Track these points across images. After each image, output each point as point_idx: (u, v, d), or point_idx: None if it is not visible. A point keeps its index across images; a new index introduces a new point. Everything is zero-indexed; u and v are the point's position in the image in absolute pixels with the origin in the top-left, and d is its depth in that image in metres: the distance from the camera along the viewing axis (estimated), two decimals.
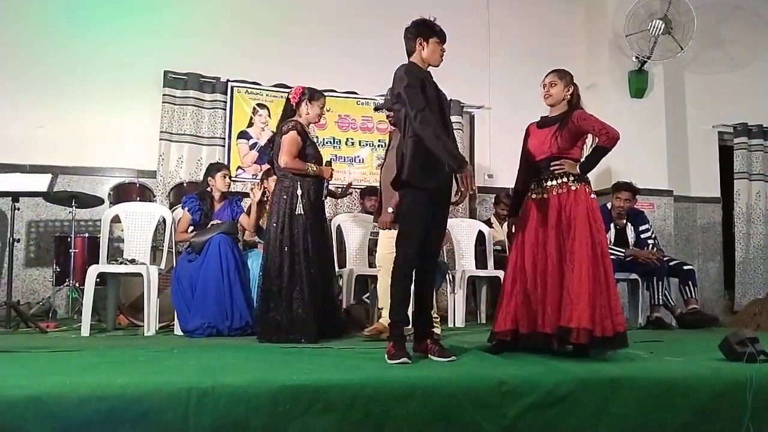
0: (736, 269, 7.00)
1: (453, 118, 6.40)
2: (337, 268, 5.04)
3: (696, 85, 7.23)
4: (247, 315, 4.28)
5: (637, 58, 6.57)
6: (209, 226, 4.61)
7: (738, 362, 2.88)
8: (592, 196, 3.27)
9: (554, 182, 3.27)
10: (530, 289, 3.23)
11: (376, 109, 4.10)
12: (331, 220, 5.54)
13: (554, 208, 3.24)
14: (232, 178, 5.84)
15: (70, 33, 5.82)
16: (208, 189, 4.76)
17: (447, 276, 5.25)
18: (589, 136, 3.34)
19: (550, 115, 3.42)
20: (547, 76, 3.44)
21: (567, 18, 7.11)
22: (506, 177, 6.01)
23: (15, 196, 4.59)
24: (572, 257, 3.11)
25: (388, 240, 3.82)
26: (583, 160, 3.32)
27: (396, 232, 3.25)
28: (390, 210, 3.78)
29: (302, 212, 3.89)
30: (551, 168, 3.28)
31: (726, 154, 7.24)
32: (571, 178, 3.24)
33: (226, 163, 5.83)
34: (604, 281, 3.11)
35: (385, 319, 3.71)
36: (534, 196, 3.34)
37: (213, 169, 4.83)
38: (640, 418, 2.55)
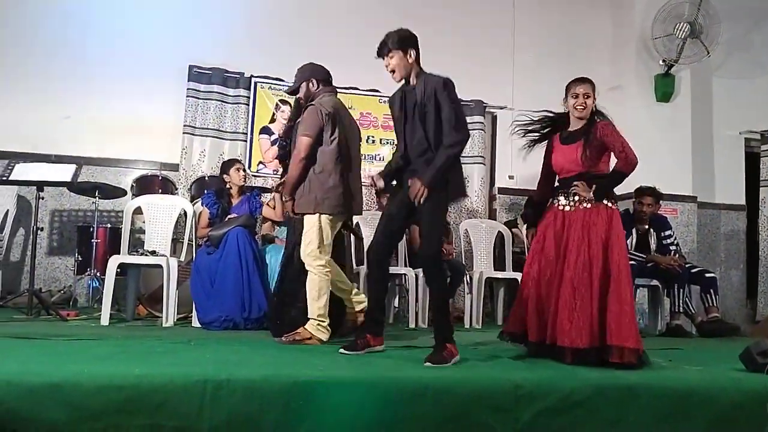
0: (759, 278, 6.88)
1: (475, 118, 6.43)
2: (354, 266, 5.05)
3: (723, 90, 7.11)
4: (265, 306, 4.31)
5: (663, 61, 6.49)
6: (227, 219, 4.65)
7: (759, 373, 2.83)
8: (614, 206, 3.23)
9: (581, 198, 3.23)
10: (543, 299, 3.20)
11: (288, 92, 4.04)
12: None
13: (579, 220, 3.19)
14: (254, 173, 5.91)
15: (97, 24, 5.90)
16: (226, 185, 4.81)
17: (464, 278, 5.24)
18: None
19: (572, 129, 3.34)
20: (579, 85, 3.30)
21: (593, 20, 7.04)
22: (527, 178, 5.97)
23: (40, 186, 4.65)
24: (615, 274, 3.07)
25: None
26: (601, 182, 3.22)
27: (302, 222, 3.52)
28: (286, 199, 3.69)
29: None
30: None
31: (752, 161, 7.12)
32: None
33: (247, 158, 5.88)
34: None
35: (311, 324, 3.54)
36: (560, 207, 3.29)
37: (226, 165, 4.90)
38: (657, 428, 2.51)
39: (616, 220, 3.18)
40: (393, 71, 3.25)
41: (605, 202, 3.21)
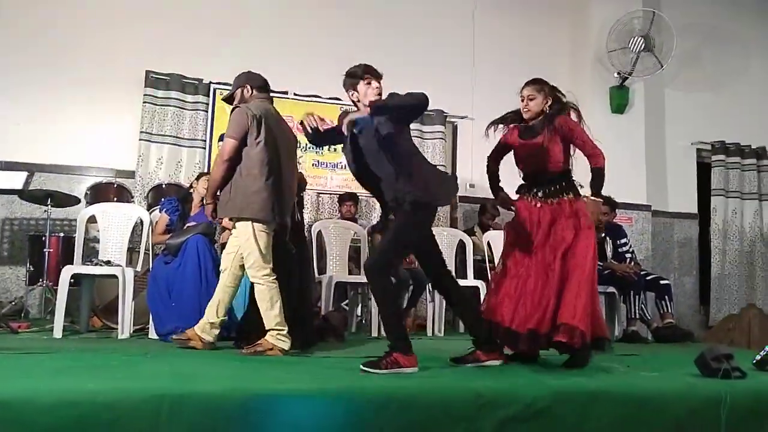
0: (712, 285, 7.10)
1: (435, 128, 6.48)
2: (316, 275, 5.02)
3: (676, 102, 7.34)
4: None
5: (618, 74, 6.65)
6: (185, 228, 4.56)
7: (713, 378, 2.90)
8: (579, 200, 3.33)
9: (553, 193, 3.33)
10: (518, 288, 3.25)
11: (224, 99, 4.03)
12: (311, 226, 5.52)
13: (548, 215, 3.28)
14: None
15: (51, 29, 5.75)
16: (191, 191, 4.73)
17: (426, 286, 5.24)
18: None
19: (530, 124, 3.42)
20: (525, 88, 3.42)
21: (552, 31, 7.17)
22: (488, 188, 6.01)
23: None
24: (580, 260, 3.16)
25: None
26: (594, 184, 3.30)
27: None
28: (208, 201, 3.67)
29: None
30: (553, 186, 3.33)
31: (704, 171, 7.35)
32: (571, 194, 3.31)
33: (206, 165, 5.79)
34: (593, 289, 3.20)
35: (270, 335, 3.48)
36: (531, 202, 3.37)
37: (200, 175, 4.80)
38: None
39: (582, 212, 3.26)
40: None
41: (570, 195, 3.30)
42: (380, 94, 3.20)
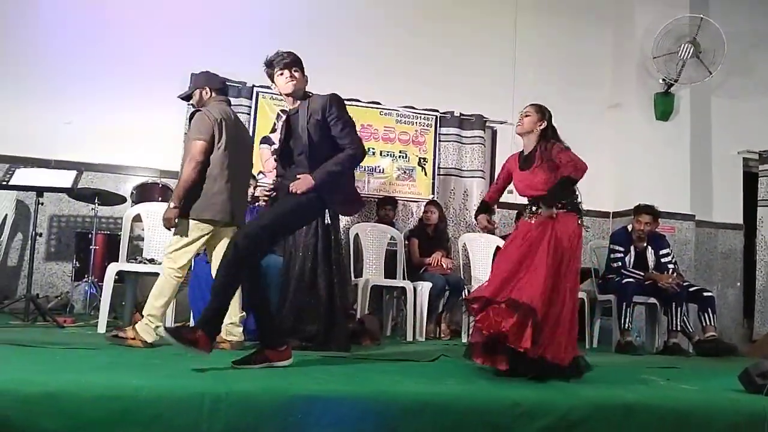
0: (756, 297, 6.89)
1: (475, 132, 6.46)
2: (352, 278, 5.05)
3: (722, 110, 7.16)
4: None
5: (664, 80, 6.53)
6: None
7: (758, 395, 2.83)
8: (579, 222, 3.33)
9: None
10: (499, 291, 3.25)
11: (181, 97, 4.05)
12: (348, 229, 5.56)
13: (539, 231, 3.28)
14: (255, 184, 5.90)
15: (100, 30, 5.90)
16: None
17: (462, 292, 5.24)
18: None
19: (526, 152, 3.49)
20: (525, 107, 3.54)
21: (594, 38, 7.08)
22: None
23: (39, 191, 4.65)
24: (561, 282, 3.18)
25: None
26: (551, 190, 3.32)
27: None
28: (173, 205, 3.54)
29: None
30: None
31: (750, 181, 7.15)
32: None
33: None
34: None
35: (140, 323, 3.48)
36: (528, 219, 3.40)
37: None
38: None
39: (573, 231, 3.26)
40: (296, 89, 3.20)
41: (560, 210, 3.29)
42: (296, 83, 3.15)
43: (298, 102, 3.20)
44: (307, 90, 3.24)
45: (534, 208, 3.36)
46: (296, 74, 3.17)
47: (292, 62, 3.17)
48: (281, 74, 3.16)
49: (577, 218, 3.33)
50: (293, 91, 3.17)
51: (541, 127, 3.44)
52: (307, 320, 3.89)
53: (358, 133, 3.25)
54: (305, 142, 3.15)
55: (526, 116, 3.47)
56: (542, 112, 3.48)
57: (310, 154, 3.14)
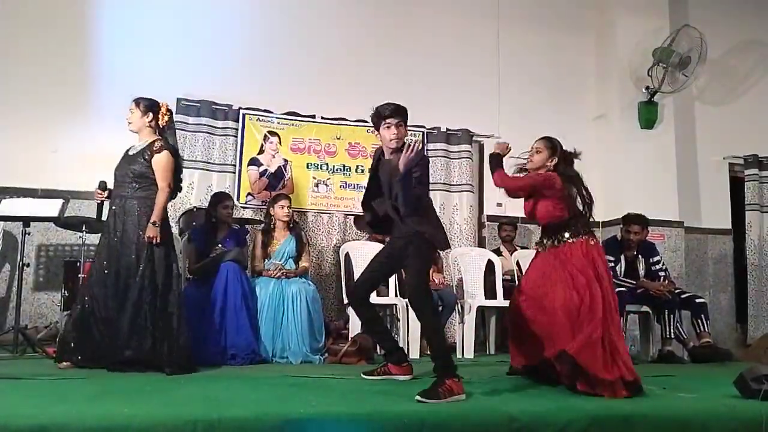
0: (749, 302, 6.92)
1: (462, 147, 6.48)
2: (345, 298, 5.02)
3: (706, 116, 7.23)
4: (253, 343, 4.26)
5: (647, 89, 6.59)
6: (215, 253, 4.61)
7: (753, 399, 2.83)
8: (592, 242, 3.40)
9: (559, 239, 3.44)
10: (527, 325, 3.34)
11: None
12: (339, 247, 5.55)
13: (558, 256, 3.37)
14: (243, 205, 5.89)
15: (85, 56, 5.89)
16: (213, 220, 4.81)
17: (456, 307, 5.22)
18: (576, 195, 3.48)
19: None
20: (537, 140, 3.56)
21: (577, 48, 7.14)
22: (515, 205, 5.98)
23: (26, 221, 4.61)
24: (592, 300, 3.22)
25: None
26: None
27: None
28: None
29: None
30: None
31: (737, 186, 7.21)
32: (566, 235, 3.39)
33: (236, 189, 5.86)
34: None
35: None
36: (547, 246, 3.48)
37: (215, 201, 4.91)
38: None
39: (595, 252, 3.34)
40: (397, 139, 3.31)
41: (584, 237, 3.37)
42: (401, 139, 3.29)
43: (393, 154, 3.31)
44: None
45: (545, 241, 3.47)
46: (401, 129, 3.30)
47: (401, 118, 3.31)
48: (388, 127, 3.28)
49: (585, 240, 3.37)
50: (396, 147, 3.28)
51: (553, 164, 3.46)
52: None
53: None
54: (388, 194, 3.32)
55: (537, 152, 3.48)
56: (553, 147, 3.48)
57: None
